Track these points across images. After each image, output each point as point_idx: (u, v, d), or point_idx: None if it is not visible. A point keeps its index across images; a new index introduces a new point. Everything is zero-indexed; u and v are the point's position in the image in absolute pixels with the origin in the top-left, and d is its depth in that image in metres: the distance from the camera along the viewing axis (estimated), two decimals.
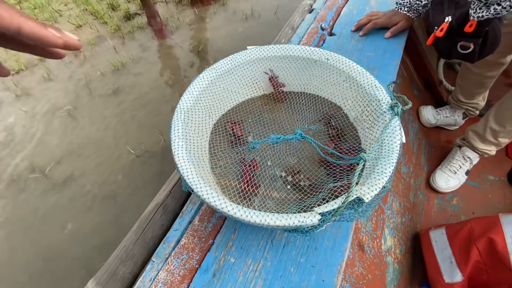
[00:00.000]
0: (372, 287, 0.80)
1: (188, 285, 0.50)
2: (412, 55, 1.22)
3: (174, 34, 1.86)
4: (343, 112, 0.59)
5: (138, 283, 0.52)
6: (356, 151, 0.53)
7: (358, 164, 0.44)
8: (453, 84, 1.30)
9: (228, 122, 0.59)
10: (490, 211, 1.06)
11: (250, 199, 0.51)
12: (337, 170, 0.50)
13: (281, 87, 0.64)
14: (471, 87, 1.08)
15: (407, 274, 0.92)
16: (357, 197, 0.39)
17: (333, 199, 0.44)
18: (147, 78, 1.62)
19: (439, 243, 0.88)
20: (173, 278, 0.51)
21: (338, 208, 0.38)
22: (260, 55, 0.61)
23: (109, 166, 1.24)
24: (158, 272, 0.52)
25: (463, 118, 1.21)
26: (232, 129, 0.58)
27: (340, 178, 0.49)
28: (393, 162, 0.42)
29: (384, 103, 0.49)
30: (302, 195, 0.46)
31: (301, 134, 0.50)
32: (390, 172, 0.41)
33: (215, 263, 0.53)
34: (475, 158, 1.07)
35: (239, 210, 0.39)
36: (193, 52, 1.78)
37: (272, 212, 0.47)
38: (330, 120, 0.58)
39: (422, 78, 1.29)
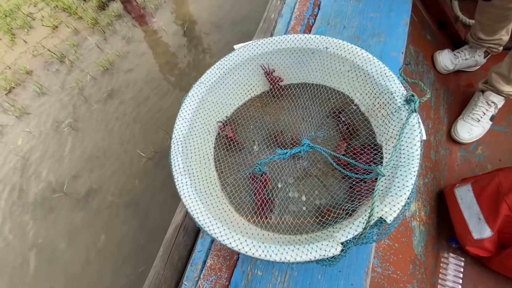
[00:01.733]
0: (400, 254, 0.82)
1: None
2: None
3: (155, 17, 1.71)
4: (353, 103, 0.53)
5: None
6: (372, 147, 0.49)
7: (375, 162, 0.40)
8: (471, 16, 1.14)
9: (218, 123, 0.55)
10: None
11: (266, 217, 0.49)
12: (354, 171, 0.47)
13: (279, 81, 0.58)
14: (492, 22, 0.94)
15: (434, 232, 0.92)
16: (379, 219, 0.36)
17: (351, 211, 0.42)
18: (138, 73, 1.54)
19: (466, 200, 0.86)
20: None
21: (360, 234, 0.36)
22: (250, 54, 0.54)
23: (123, 173, 1.26)
24: None
25: (484, 57, 1.08)
26: (223, 131, 0.55)
27: (357, 184, 0.46)
28: (414, 171, 0.38)
29: (397, 96, 0.43)
30: (320, 217, 0.44)
31: (308, 144, 0.46)
32: (412, 184, 0.37)
33: (243, 278, 0.54)
34: (500, 102, 0.99)
35: (256, 250, 0.38)
36: (179, 33, 1.65)
37: (289, 231, 0.46)
38: (339, 115, 0.53)
39: (435, 18, 1.13)
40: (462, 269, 0.84)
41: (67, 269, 1.12)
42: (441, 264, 0.87)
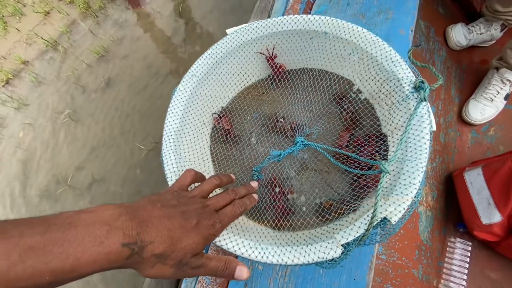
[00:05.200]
0: (405, 240, 0.80)
1: None
2: None
3: None
4: (356, 89, 0.49)
5: None
6: (377, 137, 0.45)
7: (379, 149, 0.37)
8: None
9: (213, 114, 0.52)
10: None
11: (264, 213, 0.47)
12: (356, 164, 0.44)
13: (281, 68, 0.54)
14: None
15: (441, 217, 0.91)
16: (382, 219, 0.34)
17: (354, 203, 0.40)
18: (135, 59, 1.49)
19: (475, 185, 0.83)
20: None
21: (362, 236, 0.33)
22: (243, 39, 0.49)
23: (125, 163, 1.25)
24: None
25: (501, 31, 1.00)
26: (219, 123, 0.52)
27: (361, 177, 0.43)
28: (422, 167, 0.35)
29: (405, 83, 0.39)
30: (320, 217, 0.41)
31: (302, 142, 0.43)
32: (419, 181, 0.34)
33: None
34: None
35: (253, 252, 0.36)
36: (174, 15, 1.57)
37: (288, 228, 0.44)
38: (342, 101, 0.49)
39: None
40: (469, 253, 0.83)
41: None
42: (448, 249, 0.86)
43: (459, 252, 0.85)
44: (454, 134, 1.00)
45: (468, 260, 0.83)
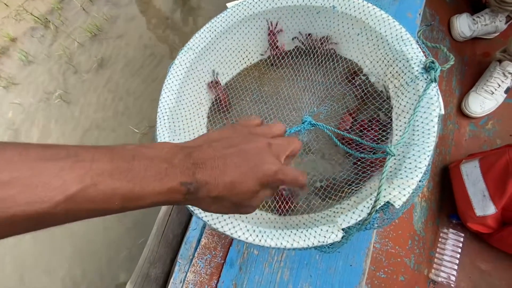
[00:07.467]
0: (399, 230, 0.81)
1: (218, 281, 0.52)
2: None
3: None
4: (362, 71, 0.47)
5: (170, 285, 0.54)
6: (380, 122, 0.44)
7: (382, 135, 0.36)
8: None
9: (208, 83, 0.50)
10: None
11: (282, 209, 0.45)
12: (360, 149, 0.43)
13: (280, 46, 0.51)
14: None
15: (435, 208, 0.91)
16: (385, 203, 0.33)
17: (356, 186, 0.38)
18: (129, 39, 1.44)
19: (471, 177, 0.83)
20: (201, 278, 0.51)
21: (364, 220, 0.32)
22: (245, 13, 0.47)
23: None
24: (186, 274, 0.52)
25: (506, 23, 0.98)
26: (213, 91, 0.49)
27: (363, 162, 0.42)
28: (429, 150, 0.33)
29: (414, 63, 0.37)
30: (320, 200, 0.40)
31: (310, 122, 0.41)
32: (425, 165, 0.33)
33: (239, 256, 0.52)
34: None
35: (250, 235, 0.35)
36: None
37: (287, 212, 0.43)
38: (354, 78, 0.47)
39: None
40: (460, 244, 0.84)
41: (71, 242, 1.14)
42: (440, 239, 0.87)
43: (451, 243, 0.85)
44: (453, 127, 1.00)
45: (459, 251, 0.84)
